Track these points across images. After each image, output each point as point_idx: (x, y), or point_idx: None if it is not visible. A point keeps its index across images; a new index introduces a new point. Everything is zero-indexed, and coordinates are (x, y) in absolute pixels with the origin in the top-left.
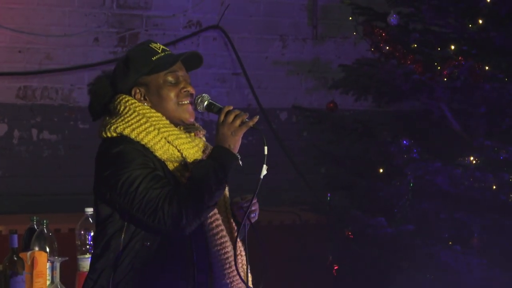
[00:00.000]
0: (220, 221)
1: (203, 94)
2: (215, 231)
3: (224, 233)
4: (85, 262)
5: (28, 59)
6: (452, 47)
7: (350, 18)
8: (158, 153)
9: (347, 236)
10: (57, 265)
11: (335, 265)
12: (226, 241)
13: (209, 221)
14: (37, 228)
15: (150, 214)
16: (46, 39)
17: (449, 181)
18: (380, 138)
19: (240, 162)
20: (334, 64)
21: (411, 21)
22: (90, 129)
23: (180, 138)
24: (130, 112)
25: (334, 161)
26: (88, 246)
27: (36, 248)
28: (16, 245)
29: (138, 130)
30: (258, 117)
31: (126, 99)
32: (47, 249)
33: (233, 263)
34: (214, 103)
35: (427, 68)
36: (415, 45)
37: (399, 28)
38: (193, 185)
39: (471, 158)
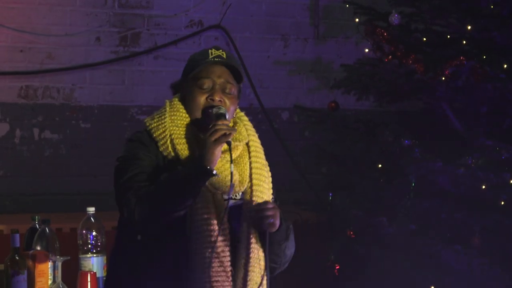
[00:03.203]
0: (210, 222)
1: (221, 107)
2: (204, 233)
3: (214, 233)
4: (87, 262)
5: (30, 58)
6: (454, 47)
7: (357, 20)
8: (161, 149)
9: (348, 236)
10: (59, 264)
11: (336, 265)
12: (211, 242)
13: (199, 221)
14: (39, 228)
15: (121, 206)
16: (47, 39)
17: (450, 181)
18: (382, 137)
19: (215, 172)
20: (335, 63)
21: (413, 21)
22: (91, 129)
23: (182, 138)
24: (163, 108)
25: (335, 161)
26: (89, 246)
27: (38, 248)
28: (17, 244)
29: (155, 124)
30: (232, 134)
31: (174, 96)
32: (49, 249)
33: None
34: (221, 114)
35: (429, 67)
36: (417, 45)
37: (401, 28)
38: (156, 187)
39: (473, 158)
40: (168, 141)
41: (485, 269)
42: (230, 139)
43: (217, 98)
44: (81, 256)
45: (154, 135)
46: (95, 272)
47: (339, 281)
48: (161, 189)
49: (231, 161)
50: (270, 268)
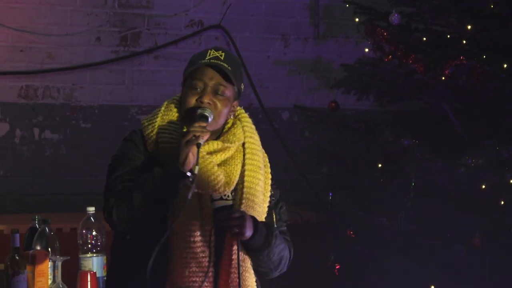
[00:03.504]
0: (191, 223)
1: (206, 108)
2: (184, 233)
3: (193, 233)
4: (87, 262)
5: (30, 58)
6: (454, 46)
7: (357, 19)
8: (149, 148)
9: (348, 235)
10: (59, 264)
11: (336, 265)
12: (193, 243)
13: (181, 221)
14: (39, 228)
15: (103, 207)
16: (48, 38)
17: (450, 181)
18: (382, 137)
19: (188, 174)
20: (335, 63)
21: (413, 21)
22: (92, 129)
23: (167, 138)
24: (159, 108)
25: (335, 161)
26: (89, 246)
27: (38, 248)
28: (17, 244)
29: (146, 123)
30: (204, 138)
31: (175, 96)
32: (49, 249)
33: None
34: (202, 115)
35: (429, 67)
36: (417, 45)
37: (401, 28)
38: (133, 188)
39: (473, 158)
40: (154, 139)
41: (485, 268)
42: (201, 142)
43: (206, 100)
44: (81, 256)
45: (144, 134)
46: (95, 272)
47: (339, 281)
48: (137, 189)
49: (197, 163)
50: (261, 272)
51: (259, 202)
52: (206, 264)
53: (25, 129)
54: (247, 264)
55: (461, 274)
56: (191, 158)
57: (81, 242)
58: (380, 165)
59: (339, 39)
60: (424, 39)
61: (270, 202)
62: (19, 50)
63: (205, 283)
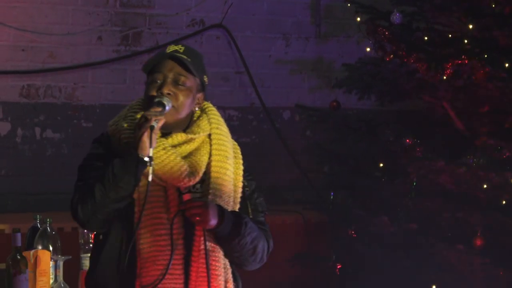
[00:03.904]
0: (158, 216)
1: (164, 97)
2: (151, 226)
3: (160, 226)
4: (88, 261)
5: (32, 57)
6: (455, 46)
7: (358, 19)
8: (114, 145)
9: (350, 235)
10: (60, 263)
11: (338, 264)
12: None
13: (146, 215)
14: (40, 227)
15: (70, 207)
16: (49, 38)
17: (452, 180)
18: (383, 137)
19: (146, 159)
20: (337, 63)
21: (414, 20)
22: (93, 128)
23: (129, 132)
24: (124, 109)
25: (337, 160)
26: (90, 245)
27: (39, 247)
28: (19, 243)
29: (111, 122)
30: (159, 122)
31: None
32: (50, 248)
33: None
34: (159, 102)
35: (430, 67)
36: (418, 44)
37: (402, 27)
38: (94, 182)
39: (474, 157)
40: (118, 138)
41: (486, 268)
42: (154, 124)
43: (165, 91)
44: (82, 255)
45: (110, 133)
46: None
47: (341, 280)
48: (98, 183)
49: (151, 146)
50: (236, 263)
51: (228, 192)
52: (176, 257)
53: (26, 128)
54: (217, 253)
55: (462, 274)
56: (146, 142)
57: (82, 242)
58: (381, 165)
59: (341, 39)
60: (426, 38)
61: (244, 193)
62: (21, 50)
63: (176, 276)
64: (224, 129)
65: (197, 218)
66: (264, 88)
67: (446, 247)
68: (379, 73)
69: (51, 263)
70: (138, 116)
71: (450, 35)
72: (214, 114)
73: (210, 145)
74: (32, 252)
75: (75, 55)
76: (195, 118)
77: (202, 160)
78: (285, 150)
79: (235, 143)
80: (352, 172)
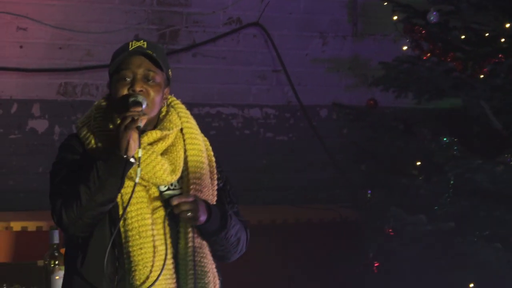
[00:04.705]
0: (142, 217)
1: (139, 95)
2: (137, 229)
3: (145, 228)
4: None
5: (69, 55)
6: (492, 44)
7: (395, 17)
8: (87, 148)
9: (387, 233)
10: None
11: (375, 263)
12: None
13: (130, 218)
14: None
15: (52, 211)
16: (86, 36)
17: (489, 179)
18: (420, 135)
19: (132, 160)
20: (373, 61)
21: (451, 19)
22: None
23: (103, 133)
24: (90, 109)
25: (373, 159)
26: None
27: None
28: (57, 241)
29: (80, 125)
30: (143, 122)
31: (102, 98)
32: None
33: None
34: (136, 102)
35: (467, 65)
36: (455, 43)
37: (439, 26)
38: (77, 184)
39: (511, 156)
40: (92, 140)
41: None
42: (140, 124)
43: (138, 89)
44: None
45: (80, 136)
46: None
47: (378, 278)
48: (83, 185)
49: (139, 146)
50: (218, 256)
51: (207, 185)
52: (164, 257)
53: (63, 126)
54: (205, 250)
55: (499, 273)
56: (132, 143)
57: None
58: (418, 163)
59: (377, 37)
60: (463, 37)
61: (218, 185)
62: (58, 48)
63: (167, 276)
64: (192, 121)
65: (188, 214)
66: (300, 87)
67: (484, 246)
68: (416, 71)
69: None
70: (117, 118)
71: (486, 34)
72: (181, 107)
73: (184, 140)
74: None
75: (112, 53)
76: (163, 114)
77: (179, 155)
78: (322, 148)
79: (202, 134)
80: (389, 171)
